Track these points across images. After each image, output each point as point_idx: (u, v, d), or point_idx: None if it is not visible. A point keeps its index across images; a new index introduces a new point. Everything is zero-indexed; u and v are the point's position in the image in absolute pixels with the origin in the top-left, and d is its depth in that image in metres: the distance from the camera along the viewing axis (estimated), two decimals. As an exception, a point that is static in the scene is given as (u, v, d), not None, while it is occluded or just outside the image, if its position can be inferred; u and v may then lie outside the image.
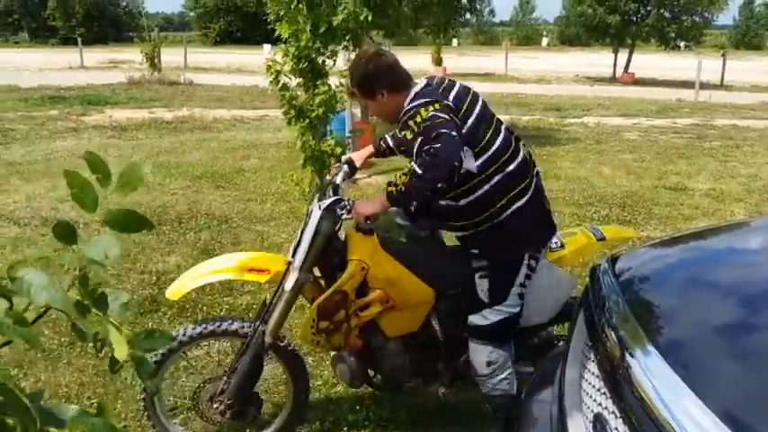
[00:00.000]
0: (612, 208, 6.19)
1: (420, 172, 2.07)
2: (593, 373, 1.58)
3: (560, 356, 1.89)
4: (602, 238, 2.66)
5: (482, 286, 2.39)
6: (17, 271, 0.74)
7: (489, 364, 2.39)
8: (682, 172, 7.84)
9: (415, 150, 2.15)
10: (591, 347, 1.63)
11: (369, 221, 2.25)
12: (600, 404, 1.48)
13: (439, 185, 2.12)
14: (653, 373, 1.27)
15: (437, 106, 2.17)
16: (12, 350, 3.09)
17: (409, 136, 2.20)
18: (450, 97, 2.28)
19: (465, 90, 2.38)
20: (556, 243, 2.58)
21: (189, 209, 5.88)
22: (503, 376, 2.41)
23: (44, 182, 6.82)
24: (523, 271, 2.35)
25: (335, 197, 2.32)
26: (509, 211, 2.29)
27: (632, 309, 1.55)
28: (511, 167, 2.29)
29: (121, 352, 0.76)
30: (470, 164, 2.17)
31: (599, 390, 1.50)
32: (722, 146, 9.66)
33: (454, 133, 2.09)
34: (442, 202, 2.33)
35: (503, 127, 2.36)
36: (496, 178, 2.26)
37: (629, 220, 5.84)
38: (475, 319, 2.39)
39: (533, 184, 2.37)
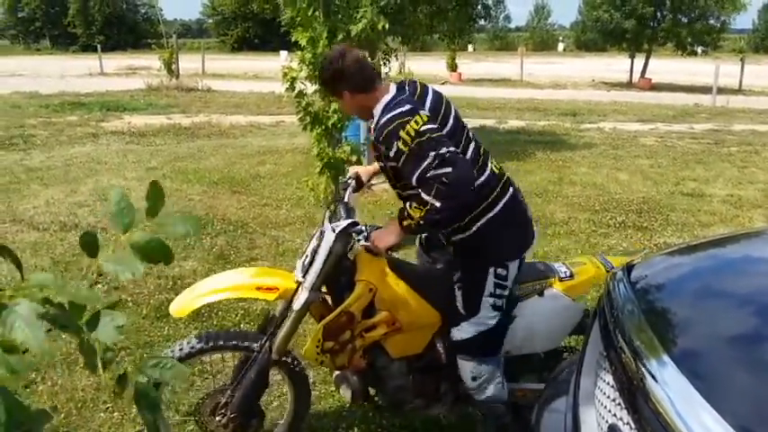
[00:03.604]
0: (629, 214, 6.13)
1: (438, 205, 2.03)
2: (607, 383, 1.56)
3: (574, 366, 1.88)
4: (612, 269, 2.62)
5: (457, 298, 2.36)
6: (11, 298, 0.71)
7: (475, 378, 2.38)
8: (699, 178, 7.76)
9: (416, 173, 2.07)
10: (605, 357, 1.61)
11: (390, 252, 2.26)
12: (615, 415, 1.46)
13: (458, 211, 2.12)
14: (668, 385, 1.26)
15: (425, 118, 2.12)
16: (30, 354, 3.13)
17: (402, 147, 2.10)
18: (427, 106, 2.24)
19: (439, 97, 2.33)
20: (565, 273, 2.55)
21: (206, 214, 5.92)
22: (491, 387, 2.40)
23: (63, 187, 6.91)
24: (491, 280, 2.30)
25: (350, 220, 2.28)
26: (476, 226, 2.26)
27: (648, 318, 1.53)
28: (478, 182, 2.23)
29: (102, 376, 0.74)
30: None
31: (614, 400, 1.49)
32: (740, 151, 9.55)
33: (460, 152, 2.05)
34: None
35: (471, 137, 2.32)
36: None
37: (646, 226, 5.78)
38: (455, 333, 2.37)
39: (504, 198, 2.30)
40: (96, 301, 0.77)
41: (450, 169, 2.01)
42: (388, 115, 2.18)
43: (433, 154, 2.03)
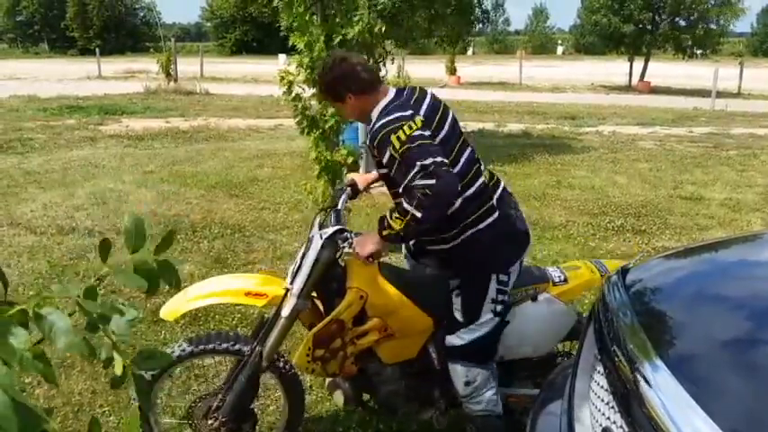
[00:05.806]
0: (627, 218, 6.13)
1: (419, 215, 2.03)
2: (601, 386, 1.56)
3: (569, 369, 1.87)
4: (607, 273, 2.62)
5: (456, 304, 2.36)
6: (41, 308, 0.76)
7: (468, 383, 2.36)
8: (698, 181, 7.76)
9: (404, 182, 2.09)
10: (600, 360, 1.61)
11: (371, 260, 2.24)
12: (608, 418, 1.46)
13: (437, 222, 2.13)
14: (661, 389, 1.26)
15: (418, 123, 2.12)
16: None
17: (393, 154, 2.12)
18: (422, 110, 2.22)
19: (436, 103, 2.32)
20: (559, 277, 2.54)
21: (203, 218, 5.92)
22: (485, 397, 2.38)
23: (61, 190, 6.90)
24: (493, 287, 2.30)
25: (338, 227, 2.29)
26: (465, 236, 2.26)
27: (642, 322, 1.53)
28: (469, 192, 2.23)
29: (118, 368, 0.77)
30: None
31: (607, 404, 1.49)
32: (739, 155, 9.56)
33: (446, 164, 2.04)
34: None
35: (468, 147, 2.32)
36: (456, 204, 2.19)
37: (644, 229, 5.79)
38: (451, 339, 2.37)
39: (496, 212, 2.29)
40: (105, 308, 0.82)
41: (433, 181, 2.00)
42: (383, 120, 2.18)
43: (419, 164, 2.03)
